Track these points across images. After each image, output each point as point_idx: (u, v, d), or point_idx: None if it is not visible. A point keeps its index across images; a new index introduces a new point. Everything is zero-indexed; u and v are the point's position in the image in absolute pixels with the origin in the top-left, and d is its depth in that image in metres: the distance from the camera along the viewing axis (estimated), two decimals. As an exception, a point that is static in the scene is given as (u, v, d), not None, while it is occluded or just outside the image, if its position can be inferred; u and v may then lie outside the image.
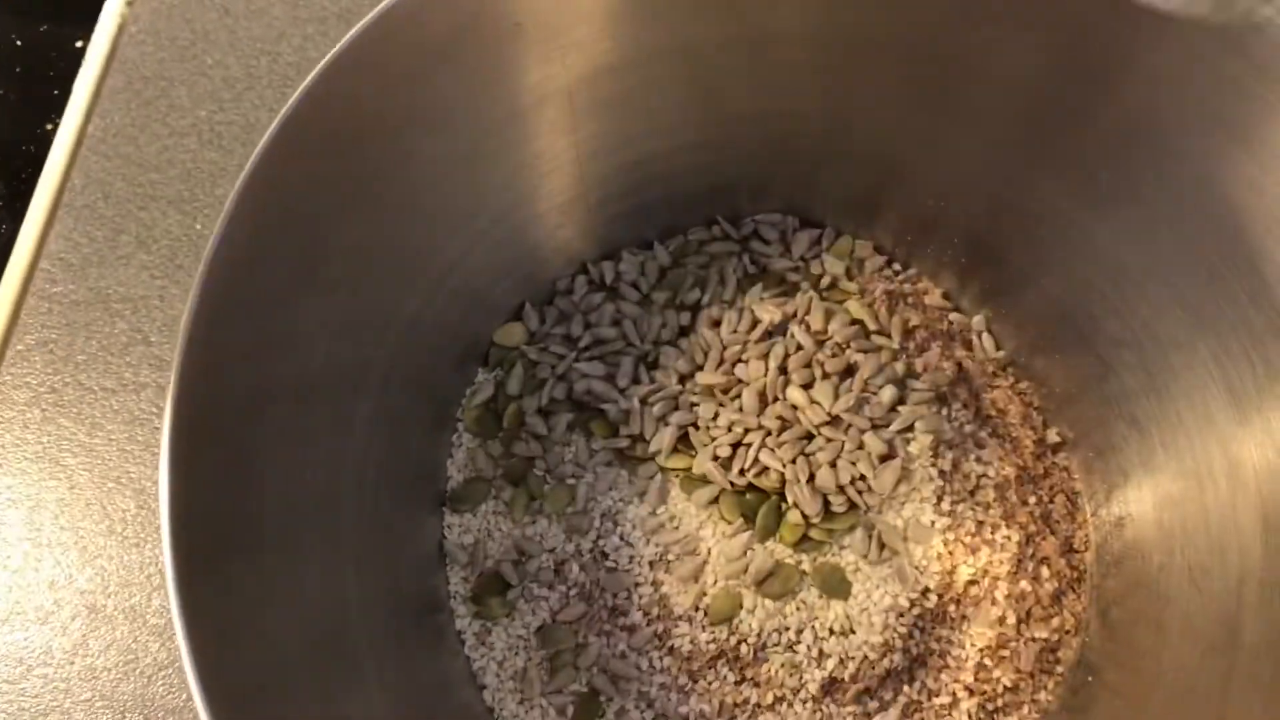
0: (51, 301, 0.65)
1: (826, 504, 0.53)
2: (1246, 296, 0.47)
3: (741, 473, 0.53)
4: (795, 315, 0.57)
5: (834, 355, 0.56)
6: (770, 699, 0.52)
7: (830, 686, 0.52)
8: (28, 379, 0.64)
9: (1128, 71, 0.46)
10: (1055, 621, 0.55)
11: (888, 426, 0.55)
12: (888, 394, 0.55)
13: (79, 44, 0.72)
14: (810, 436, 0.54)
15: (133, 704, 0.58)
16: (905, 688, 0.53)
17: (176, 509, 0.38)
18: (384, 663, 0.50)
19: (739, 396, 0.55)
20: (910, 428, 0.55)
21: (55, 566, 0.60)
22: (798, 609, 0.52)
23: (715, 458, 0.54)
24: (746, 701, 0.52)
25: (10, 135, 0.72)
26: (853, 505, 0.53)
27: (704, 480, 0.54)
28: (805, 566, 0.53)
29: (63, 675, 0.58)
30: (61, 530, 0.61)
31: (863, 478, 0.53)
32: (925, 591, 0.53)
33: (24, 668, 0.58)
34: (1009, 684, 0.54)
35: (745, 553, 0.53)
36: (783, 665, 0.52)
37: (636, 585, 0.53)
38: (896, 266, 0.62)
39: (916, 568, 0.53)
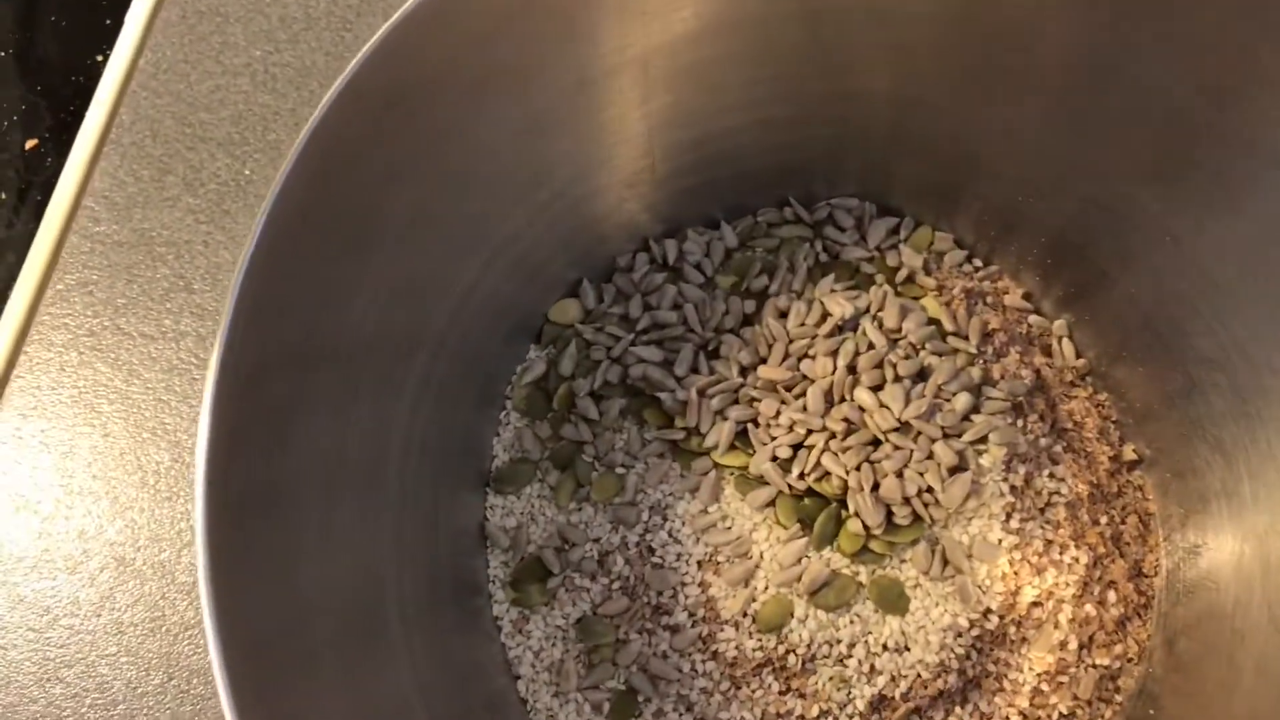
0: (94, 241, 0.63)
1: (889, 515, 0.50)
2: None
3: (801, 476, 0.51)
4: (868, 310, 0.54)
5: (907, 356, 0.53)
6: (815, 712, 0.50)
7: (879, 703, 0.50)
8: (66, 320, 0.62)
9: (1261, 85, 0.43)
10: (1118, 648, 0.52)
11: (960, 436, 0.51)
12: (962, 401, 0.52)
13: (134, -28, 0.70)
14: (877, 442, 0.51)
15: (158, 661, 0.57)
16: (957, 709, 0.50)
17: (213, 464, 0.37)
18: (416, 642, 0.48)
19: (803, 394, 0.52)
20: (983, 439, 0.51)
21: (86, 516, 0.59)
22: (851, 622, 0.50)
23: (774, 458, 0.51)
24: (790, 713, 0.50)
25: (60, 65, 0.69)
26: (917, 518, 0.50)
27: (761, 481, 0.52)
28: (862, 578, 0.51)
29: (89, 627, 0.57)
30: (93, 479, 0.59)
31: (930, 490, 0.50)
32: (987, 612, 0.50)
33: (50, 617, 0.57)
34: (1065, 711, 0.51)
35: (800, 560, 0.50)
36: (831, 679, 0.50)
37: (683, 584, 0.51)
38: (977, 262, 0.59)
39: (979, 587, 0.50)
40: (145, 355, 0.61)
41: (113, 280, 0.63)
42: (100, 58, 0.68)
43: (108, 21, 0.69)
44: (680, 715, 0.50)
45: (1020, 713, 0.51)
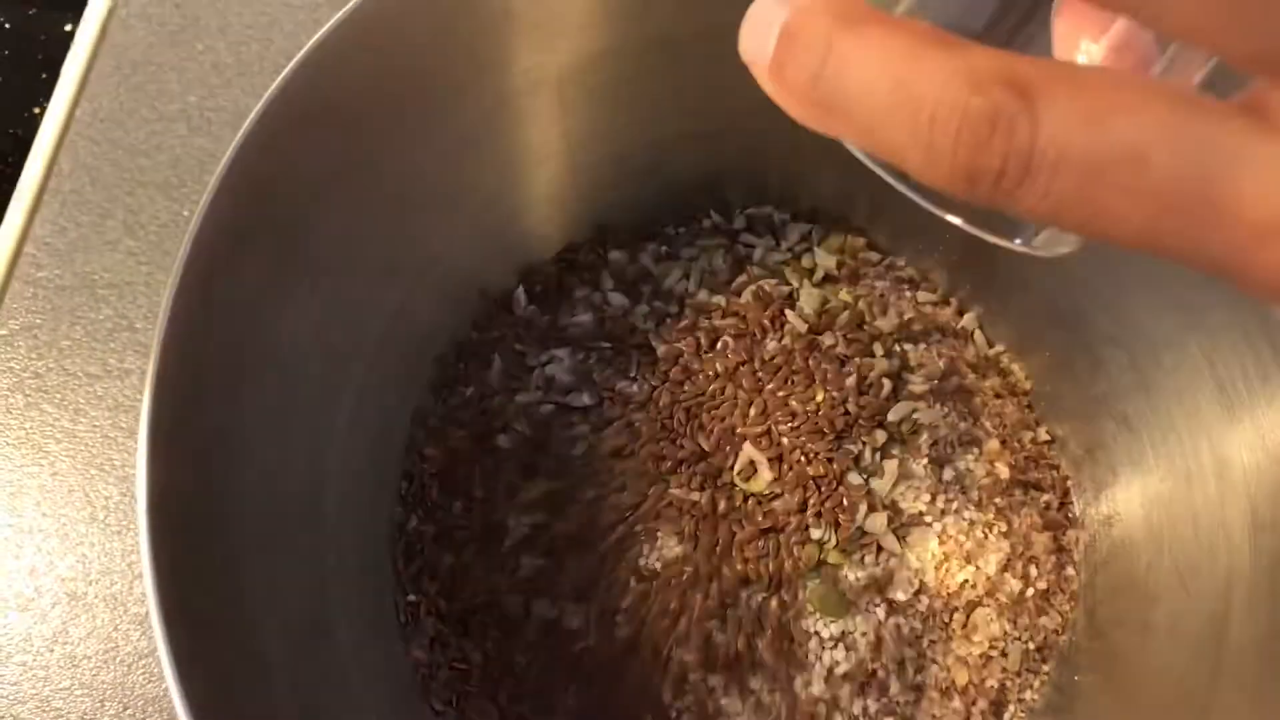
0: (36, 286, 0.65)
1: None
2: (1238, 294, 0.46)
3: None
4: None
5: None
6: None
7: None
8: (11, 364, 0.63)
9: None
10: (1043, 621, 0.54)
11: (882, 425, 0.54)
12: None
13: (68, 27, 0.72)
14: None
15: (112, 692, 0.57)
16: (892, 688, 0.52)
17: (154, 496, 0.38)
18: (364, 652, 0.49)
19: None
20: (905, 425, 0.54)
21: (36, 553, 0.60)
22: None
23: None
24: (730, 697, 0.52)
25: (-2, 119, 0.71)
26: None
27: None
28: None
29: (42, 663, 0.58)
30: (43, 517, 0.60)
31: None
32: (917, 593, 0.52)
33: (2, 655, 0.58)
34: (996, 684, 0.53)
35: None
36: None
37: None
38: (889, 262, 0.62)
39: (909, 569, 0.52)
40: (91, 394, 0.63)
41: (56, 323, 0.64)
42: (38, 110, 0.70)
43: (44, 75, 0.71)
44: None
45: (953, 688, 0.53)
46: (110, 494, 0.61)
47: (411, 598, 0.54)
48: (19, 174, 0.67)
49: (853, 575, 0.52)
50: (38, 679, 0.57)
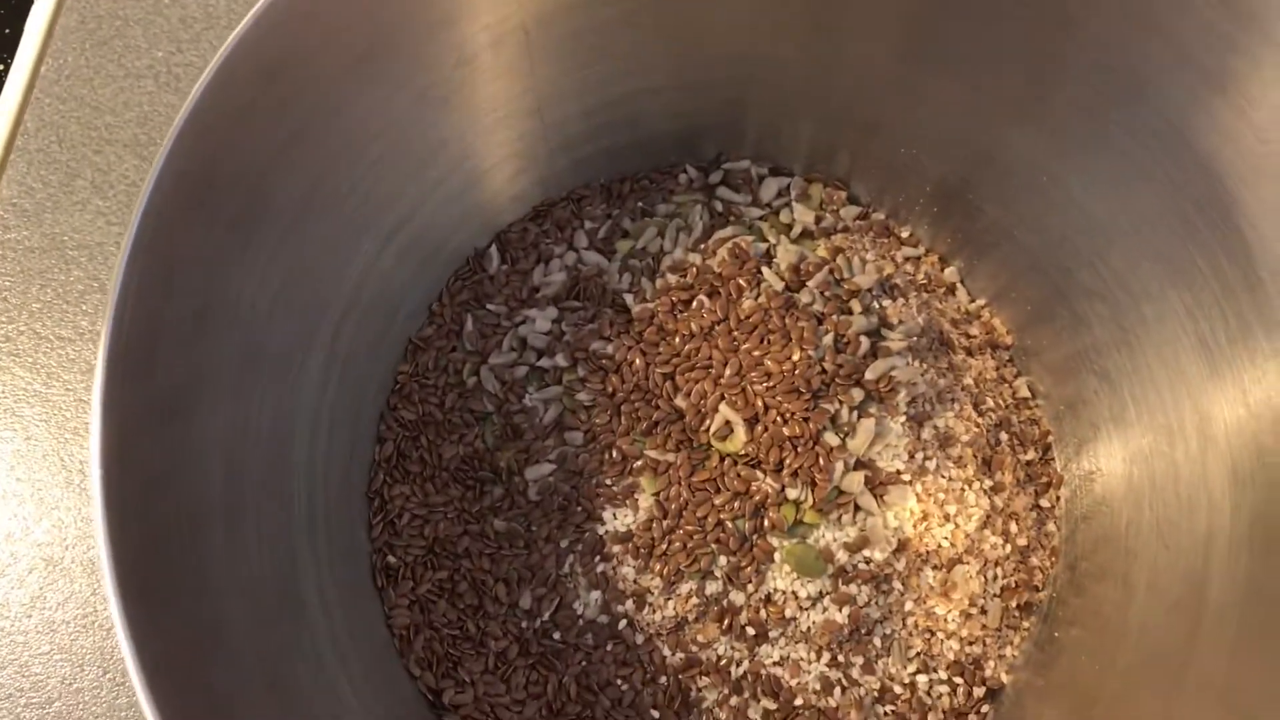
0: (5, 248, 0.64)
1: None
2: (1220, 248, 0.46)
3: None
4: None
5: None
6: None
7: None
8: (-19, 328, 0.62)
9: (1102, 12, 0.44)
10: (1023, 577, 0.54)
11: (859, 384, 0.53)
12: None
13: (31, -19, 0.70)
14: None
15: (91, 657, 0.57)
16: (873, 643, 0.52)
17: (109, 449, 0.37)
18: (336, 623, 0.49)
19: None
20: (883, 382, 0.53)
21: (11, 519, 0.59)
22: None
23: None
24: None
25: (-39, 76, 0.70)
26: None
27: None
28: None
29: (20, 629, 0.58)
30: (17, 482, 0.60)
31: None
32: (895, 552, 0.52)
33: (-20, 621, 0.58)
34: (976, 639, 0.53)
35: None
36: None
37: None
38: (868, 215, 0.60)
39: (887, 528, 0.52)
40: (63, 357, 0.62)
41: (26, 285, 0.63)
42: (1, 67, 0.68)
43: (7, 31, 0.69)
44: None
45: (932, 643, 0.52)
46: (85, 458, 0.60)
47: (391, 560, 0.53)
48: (-16, 133, 0.66)
49: (830, 535, 0.51)
50: (16, 644, 0.57)
